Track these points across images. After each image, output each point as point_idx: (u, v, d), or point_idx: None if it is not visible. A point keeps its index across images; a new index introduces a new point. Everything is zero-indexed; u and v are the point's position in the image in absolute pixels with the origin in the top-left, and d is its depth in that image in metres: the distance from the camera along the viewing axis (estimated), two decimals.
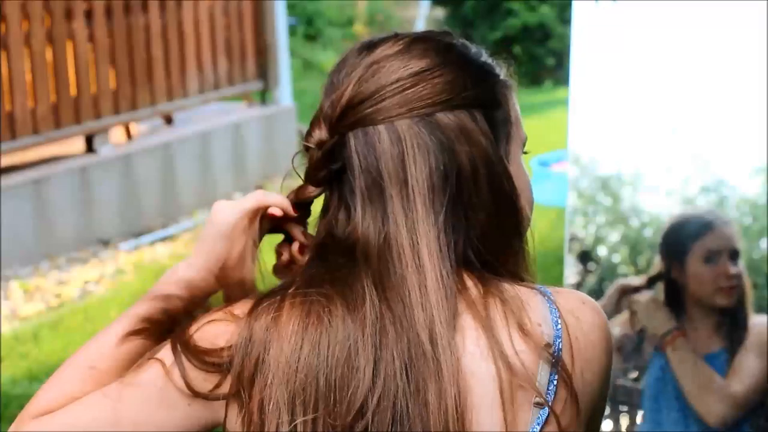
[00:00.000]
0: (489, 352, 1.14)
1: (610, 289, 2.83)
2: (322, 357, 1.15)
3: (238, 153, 7.91)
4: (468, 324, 1.15)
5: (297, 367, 1.15)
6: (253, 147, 8.06)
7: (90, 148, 6.90)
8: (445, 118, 1.19)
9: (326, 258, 1.21)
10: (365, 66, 1.21)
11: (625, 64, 2.93)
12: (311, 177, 1.24)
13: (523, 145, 1.29)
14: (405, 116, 1.18)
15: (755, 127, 2.85)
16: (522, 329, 1.15)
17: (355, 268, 1.18)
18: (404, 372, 1.12)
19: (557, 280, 3.03)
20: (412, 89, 1.19)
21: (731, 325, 2.73)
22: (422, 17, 13.98)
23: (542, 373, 1.15)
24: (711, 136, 2.88)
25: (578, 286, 2.97)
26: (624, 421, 2.82)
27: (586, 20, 2.97)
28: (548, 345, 1.15)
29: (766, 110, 2.82)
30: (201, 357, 1.19)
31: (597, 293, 2.94)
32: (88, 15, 6.79)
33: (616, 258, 2.97)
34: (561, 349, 1.16)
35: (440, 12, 14.06)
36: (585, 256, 2.98)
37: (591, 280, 2.97)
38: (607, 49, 2.94)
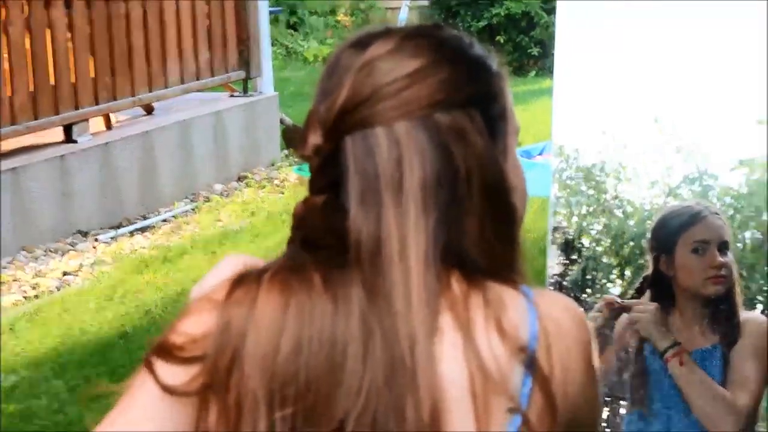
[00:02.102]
0: (464, 356, 1.12)
1: (599, 304, 2.80)
2: (304, 353, 1.13)
3: (220, 143, 7.87)
4: (448, 325, 1.14)
5: (276, 360, 1.13)
6: (235, 137, 8.02)
7: (69, 137, 6.84)
8: (443, 119, 1.17)
9: (314, 249, 1.19)
10: (358, 67, 1.18)
11: (609, 54, 2.92)
12: (314, 186, 1.21)
13: (517, 136, 1.27)
14: (403, 119, 1.17)
15: (738, 117, 2.84)
16: (500, 331, 1.13)
17: (346, 268, 1.16)
18: (386, 387, 1.11)
19: (540, 271, 3.01)
20: (408, 90, 1.17)
21: (724, 318, 2.72)
22: (406, 6, 13.95)
23: (516, 377, 1.13)
24: (694, 127, 2.87)
25: (561, 276, 2.96)
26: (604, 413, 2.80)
27: (570, 10, 2.95)
28: (523, 347, 1.14)
29: (748, 101, 2.81)
30: (176, 353, 1.18)
31: (580, 283, 2.93)
32: (68, 3, 6.74)
33: (600, 248, 2.96)
34: (536, 351, 1.14)
35: (424, 1, 14.03)
36: (568, 247, 2.97)
37: (574, 270, 2.96)
38: (591, 39, 2.93)
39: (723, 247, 2.73)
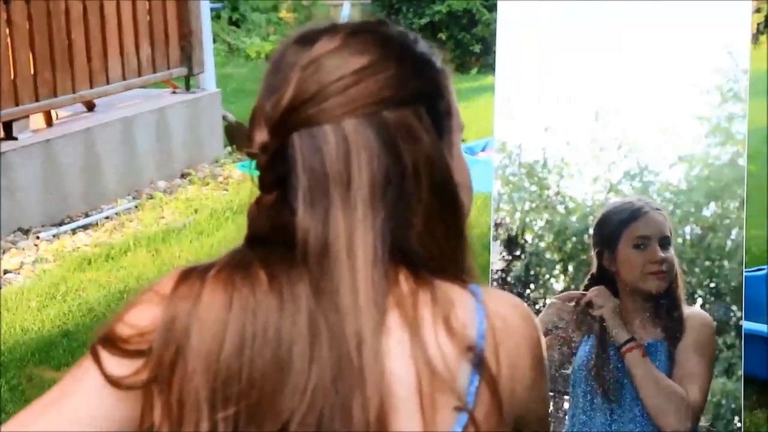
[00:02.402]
0: (411, 354, 1.12)
1: (549, 307, 2.83)
2: (247, 351, 1.13)
3: (163, 139, 7.82)
4: (395, 323, 1.14)
5: (219, 358, 1.13)
6: (178, 133, 7.98)
7: (9, 134, 6.76)
8: (390, 116, 1.17)
9: (262, 247, 1.19)
10: (304, 64, 1.18)
11: (551, 52, 2.94)
12: (263, 184, 1.20)
13: (461, 132, 1.28)
14: (350, 116, 1.16)
15: (677, 114, 2.87)
16: (448, 329, 1.13)
17: (293, 266, 1.16)
18: (333, 385, 1.11)
19: (484, 267, 3.03)
20: (355, 87, 1.17)
21: (666, 313, 2.75)
22: (348, 3, 13.94)
23: (463, 375, 1.13)
24: (634, 124, 2.90)
25: (505, 272, 2.98)
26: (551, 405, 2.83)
27: (511, 8, 2.97)
28: (471, 346, 1.14)
29: (687, 98, 2.85)
30: (121, 345, 1.18)
31: (523, 279, 2.95)
32: None
33: (542, 244, 2.98)
34: (483, 350, 1.14)
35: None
36: (511, 243, 2.99)
37: (517, 266, 2.98)
38: (532, 37, 2.95)
39: (664, 242, 2.77)
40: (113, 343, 1.19)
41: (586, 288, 2.82)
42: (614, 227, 2.81)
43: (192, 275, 1.19)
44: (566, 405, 2.82)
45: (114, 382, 1.18)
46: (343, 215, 1.15)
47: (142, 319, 1.19)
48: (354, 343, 1.12)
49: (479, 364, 1.14)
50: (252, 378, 1.13)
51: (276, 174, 1.18)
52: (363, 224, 1.15)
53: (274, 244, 1.18)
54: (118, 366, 1.18)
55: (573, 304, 2.79)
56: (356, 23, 1.24)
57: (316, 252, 1.15)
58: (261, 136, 1.19)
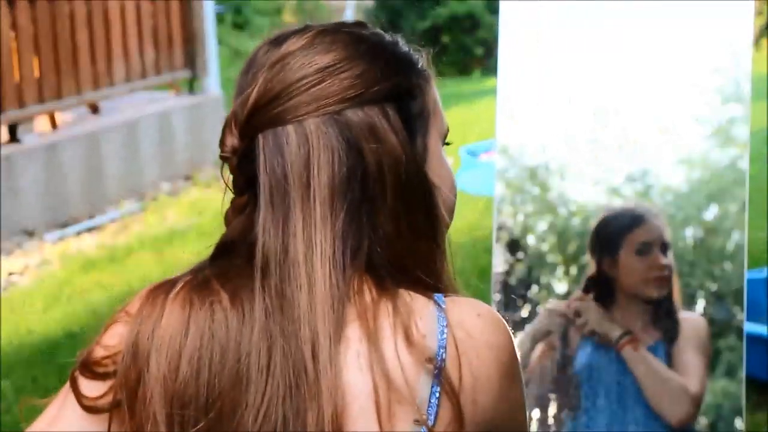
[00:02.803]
0: (368, 365, 1.09)
1: (542, 314, 2.84)
2: (203, 373, 1.12)
3: (166, 142, 7.84)
4: (354, 334, 1.10)
5: (176, 381, 1.12)
6: (181, 136, 8.00)
7: (13, 137, 6.78)
8: (355, 115, 1.15)
9: (225, 259, 1.18)
10: (271, 64, 1.17)
11: (552, 54, 2.95)
12: (235, 186, 1.19)
13: (445, 137, 1.24)
14: (313, 114, 1.14)
15: (678, 116, 2.88)
16: (408, 339, 1.09)
17: (252, 277, 1.13)
18: (289, 396, 1.09)
19: (486, 270, 3.04)
20: (319, 86, 1.15)
21: (665, 315, 2.77)
22: (351, 7, 13.96)
23: (423, 388, 1.09)
24: (636, 126, 2.91)
25: (507, 274, 2.99)
26: (552, 409, 2.84)
27: (513, 11, 2.98)
28: (431, 357, 1.09)
29: (688, 100, 2.86)
30: (94, 368, 1.18)
31: (526, 281, 2.96)
32: (10, 2, 6.67)
33: (545, 247, 2.99)
34: (444, 361, 1.10)
35: (369, 1, 14.05)
36: (513, 245, 3.00)
37: (519, 268, 2.99)
38: (534, 39, 2.96)
39: (664, 248, 2.78)
40: (88, 366, 1.19)
41: (585, 290, 2.83)
42: (615, 233, 2.83)
43: (157, 294, 1.18)
44: (567, 407, 2.83)
45: (88, 407, 1.17)
46: (302, 217, 1.12)
47: (113, 338, 1.19)
48: (309, 351, 1.09)
49: (439, 375, 1.09)
50: (210, 399, 1.11)
51: (244, 176, 1.17)
52: (322, 226, 1.12)
53: (242, 249, 1.16)
54: (94, 389, 1.18)
55: (563, 319, 2.81)
56: (331, 23, 1.22)
57: (274, 256, 1.12)
58: (231, 139, 1.17)
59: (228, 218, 1.21)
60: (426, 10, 13.27)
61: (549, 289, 2.95)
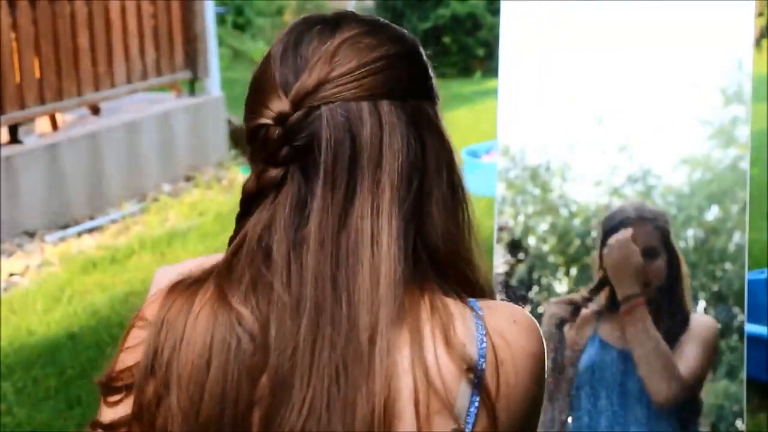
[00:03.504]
0: (410, 365, 1.06)
1: (547, 312, 2.84)
2: (228, 408, 1.07)
3: (167, 143, 7.84)
4: (403, 327, 1.07)
5: (197, 421, 1.07)
6: (182, 137, 8.00)
7: (14, 138, 6.79)
8: (418, 106, 1.14)
9: (260, 255, 1.10)
10: (339, 41, 1.12)
11: (554, 55, 2.95)
12: (272, 157, 1.11)
13: None
14: (386, 97, 1.11)
15: (680, 117, 2.88)
16: (448, 344, 1.07)
17: (301, 263, 1.08)
18: (335, 382, 1.05)
19: (486, 270, 3.03)
20: (392, 70, 1.12)
21: (668, 316, 2.76)
22: (352, 7, 13.96)
23: (463, 396, 1.07)
24: (637, 127, 2.91)
25: (508, 275, 2.99)
26: (552, 409, 2.84)
27: (515, 11, 2.98)
28: (472, 366, 1.07)
29: (690, 100, 2.86)
30: (111, 386, 1.14)
31: (526, 282, 2.96)
32: (11, 3, 6.68)
33: (545, 247, 2.99)
34: (484, 370, 1.08)
35: (370, 2, 14.05)
36: (514, 246, 2.99)
37: (520, 269, 2.99)
38: (535, 40, 2.96)
39: (651, 252, 2.78)
40: (109, 382, 1.14)
41: (595, 288, 2.83)
42: (605, 233, 2.84)
43: (179, 299, 1.12)
44: (569, 407, 2.82)
45: (106, 426, 1.14)
46: (370, 196, 1.09)
47: (131, 349, 1.14)
48: (366, 336, 1.05)
49: (479, 384, 1.07)
50: (237, 422, 1.07)
51: (292, 147, 1.10)
52: (389, 210, 1.09)
53: (279, 234, 1.09)
54: (114, 407, 1.14)
55: (571, 305, 2.80)
56: (370, 16, 1.20)
57: (334, 234, 1.08)
58: (280, 105, 1.11)
59: (249, 190, 1.13)
60: (427, 10, 13.27)
61: (550, 290, 2.95)
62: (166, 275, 1.18)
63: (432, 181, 1.13)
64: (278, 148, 1.10)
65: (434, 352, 1.06)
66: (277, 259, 1.09)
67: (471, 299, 1.12)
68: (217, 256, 1.16)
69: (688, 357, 2.73)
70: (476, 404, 1.07)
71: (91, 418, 1.15)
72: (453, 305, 1.10)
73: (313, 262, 1.07)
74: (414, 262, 1.10)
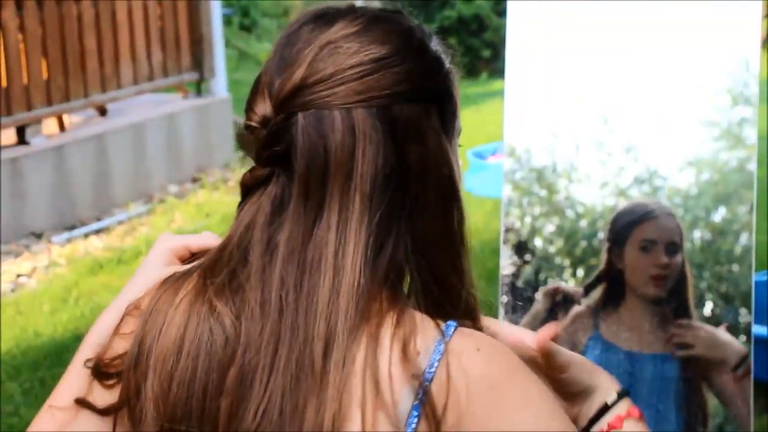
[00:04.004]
0: (362, 370, 1.06)
1: (540, 293, 2.83)
2: (196, 393, 1.09)
3: (173, 144, 7.85)
4: (362, 334, 1.07)
5: (166, 404, 1.10)
6: (188, 138, 8.01)
7: (22, 139, 6.80)
8: (401, 112, 1.11)
9: (239, 248, 1.13)
10: (321, 44, 1.12)
11: (560, 56, 2.95)
12: (259, 156, 1.13)
13: (458, 137, 1.22)
14: (363, 105, 1.10)
15: (686, 118, 2.88)
16: (404, 352, 1.06)
17: (271, 266, 1.09)
18: (289, 391, 1.05)
19: (493, 272, 3.04)
20: (372, 76, 1.10)
21: (675, 320, 2.76)
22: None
23: (404, 402, 1.05)
24: (644, 128, 2.91)
25: (514, 276, 2.99)
26: None
27: (521, 13, 2.98)
28: (416, 374, 1.05)
29: (696, 101, 2.86)
30: (104, 371, 1.17)
31: (533, 284, 2.96)
32: (19, 4, 6.69)
33: (552, 249, 2.99)
34: (430, 383, 1.05)
35: (377, 3, 14.05)
36: (521, 247, 2.99)
37: (527, 270, 2.99)
38: (541, 41, 2.96)
39: (671, 248, 2.78)
40: (101, 367, 1.17)
41: (590, 284, 2.82)
42: (624, 226, 2.83)
43: (166, 292, 1.15)
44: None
45: (99, 410, 1.16)
46: (338, 207, 1.09)
47: (123, 337, 1.17)
48: (320, 347, 1.05)
49: (423, 395, 1.05)
50: (204, 413, 1.09)
51: (273, 151, 1.11)
52: (358, 222, 1.08)
53: (259, 235, 1.11)
54: (107, 391, 1.17)
55: (543, 299, 2.79)
56: (375, 10, 1.17)
57: (299, 246, 1.08)
58: (264, 108, 1.12)
59: (245, 183, 1.15)
60: (433, 12, 13.27)
61: None
62: (165, 242, 1.26)
63: (415, 190, 1.11)
64: (262, 150, 1.12)
65: (389, 358, 1.06)
66: (252, 260, 1.11)
67: (450, 322, 1.10)
68: (219, 240, 1.19)
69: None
70: (416, 414, 1.05)
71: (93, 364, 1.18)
72: (420, 321, 1.09)
73: (280, 268, 1.08)
74: (387, 273, 1.09)
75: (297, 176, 1.10)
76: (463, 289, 1.15)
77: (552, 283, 2.83)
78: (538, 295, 2.82)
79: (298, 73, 1.11)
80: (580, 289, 2.80)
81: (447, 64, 1.19)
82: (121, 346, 1.16)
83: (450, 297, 1.14)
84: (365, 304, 1.07)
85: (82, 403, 1.17)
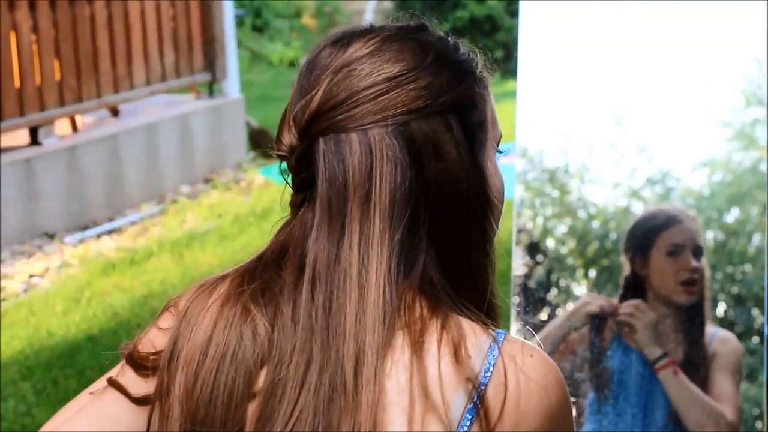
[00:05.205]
0: (408, 376, 1.07)
1: (576, 307, 2.82)
2: (219, 397, 1.11)
3: (185, 145, 7.86)
4: (398, 343, 1.09)
5: (189, 404, 1.13)
6: (201, 139, 8.02)
7: (35, 140, 6.82)
8: (419, 128, 1.13)
9: (275, 263, 1.16)
10: (336, 68, 1.14)
11: (572, 57, 2.94)
12: (293, 185, 1.17)
13: (498, 143, 1.23)
14: (378, 125, 1.12)
15: (699, 119, 2.88)
16: (455, 356, 1.08)
17: (298, 287, 1.12)
18: (322, 410, 1.07)
19: (505, 272, 3.03)
20: (386, 96, 1.13)
21: (689, 323, 2.75)
22: (370, 9, 13.97)
23: (457, 405, 1.07)
24: (656, 129, 2.90)
25: (526, 277, 2.98)
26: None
27: (533, 13, 2.98)
28: (471, 378, 1.07)
29: (709, 102, 2.85)
30: (140, 363, 1.19)
31: (545, 284, 2.96)
32: (32, 5, 6.71)
33: (564, 249, 2.99)
34: (486, 386, 1.07)
35: (388, 3, 14.05)
36: (533, 248, 2.99)
37: (539, 271, 2.99)
38: (554, 42, 2.96)
39: (697, 251, 2.77)
40: (135, 360, 1.20)
41: (621, 296, 2.81)
42: (647, 233, 2.81)
43: (202, 295, 1.18)
44: (586, 410, 2.82)
45: (135, 399, 1.19)
46: (359, 229, 1.11)
47: (159, 335, 1.20)
48: (351, 366, 1.07)
49: (477, 398, 1.07)
50: (228, 419, 1.11)
51: (300, 177, 1.15)
52: (379, 240, 1.11)
53: (293, 255, 1.14)
54: (141, 381, 1.20)
55: (598, 310, 2.78)
56: (394, 27, 1.19)
57: (325, 268, 1.11)
58: (289, 138, 1.16)
59: (291, 206, 1.18)
60: (445, 12, 13.27)
61: (568, 293, 2.94)
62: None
63: (433, 204, 1.13)
64: (294, 178, 1.16)
65: (438, 363, 1.08)
66: (285, 277, 1.14)
67: (499, 330, 1.13)
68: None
69: (730, 396, 2.71)
70: (470, 417, 1.07)
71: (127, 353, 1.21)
72: (468, 325, 1.11)
73: (308, 288, 1.11)
74: (421, 285, 1.11)
75: (319, 200, 1.13)
76: (483, 302, 1.16)
77: (586, 299, 2.80)
78: (565, 310, 2.81)
79: (316, 100, 1.14)
80: (616, 302, 2.78)
81: (475, 72, 1.20)
82: (158, 339, 1.19)
83: (477, 303, 1.15)
84: (394, 320, 1.09)
85: (114, 384, 1.19)
